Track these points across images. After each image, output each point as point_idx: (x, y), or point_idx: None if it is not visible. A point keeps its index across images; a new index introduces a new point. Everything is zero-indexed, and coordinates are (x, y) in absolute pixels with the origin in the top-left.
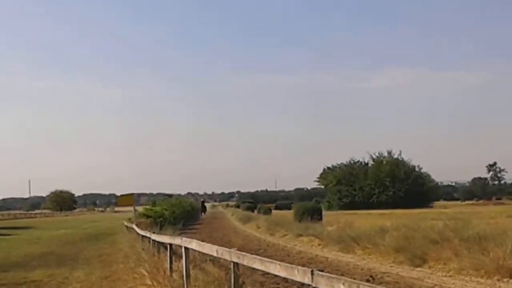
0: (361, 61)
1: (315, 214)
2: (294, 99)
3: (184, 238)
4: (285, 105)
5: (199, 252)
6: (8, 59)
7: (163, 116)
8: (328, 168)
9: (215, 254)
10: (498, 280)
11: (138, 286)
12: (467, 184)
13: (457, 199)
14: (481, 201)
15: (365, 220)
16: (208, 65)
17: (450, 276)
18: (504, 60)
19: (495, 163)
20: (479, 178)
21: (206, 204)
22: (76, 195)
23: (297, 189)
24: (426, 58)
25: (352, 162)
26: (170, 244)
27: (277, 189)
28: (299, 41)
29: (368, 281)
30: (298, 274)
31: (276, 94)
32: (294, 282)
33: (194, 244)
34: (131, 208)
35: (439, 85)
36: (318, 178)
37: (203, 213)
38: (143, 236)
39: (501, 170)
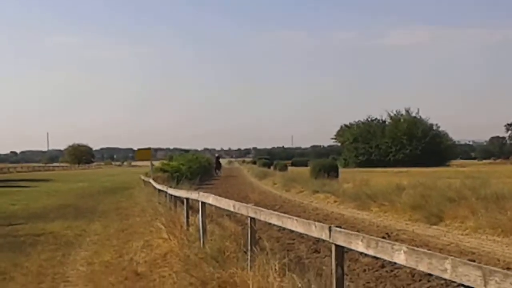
0: (380, 18)
1: (332, 171)
2: (313, 57)
3: (201, 193)
4: (303, 64)
5: (216, 207)
6: (23, 15)
7: (180, 73)
8: (345, 125)
9: (232, 209)
10: None
11: (155, 239)
12: (485, 143)
13: (475, 158)
14: (498, 160)
15: (382, 178)
16: (224, 24)
17: (466, 234)
18: None
19: None
20: (497, 137)
21: (221, 160)
22: (94, 149)
23: (313, 146)
24: (445, 15)
25: (369, 120)
26: (187, 199)
27: (294, 146)
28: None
29: (384, 238)
30: (316, 230)
31: (295, 52)
32: (309, 238)
33: (211, 199)
34: (148, 163)
35: (458, 43)
36: (335, 135)
37: (218, 171)
38: (159, 190)
39: None
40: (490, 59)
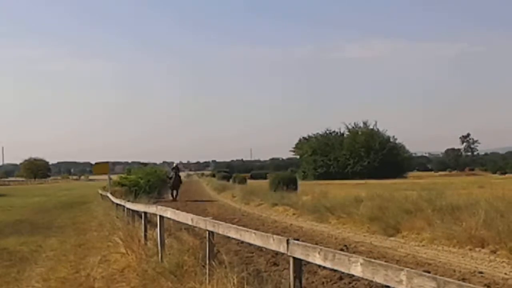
0: (338, 31)
1: (290, 184)
2: (273, 71)
3: (159, 207)
4: (263, 77)
5: (174, 220)
6: None
7: (140, 87)
8: (304, 138)
9: (190, 223)
10: (470, 249)
11: (112, 254)
12: (441, 155)
13: (431, 170)
14: (454, 172)
15: (340, 190)
16: (190, 37)
17: (423, 245)
18: (481, 32)
19: (468, 135)
20: (453, 149)
21: (180, 173)
22: (51, 163)
23: (272, 159)
24: (402, 29)
25: (327, 132)
26: (145, 213)
27: (253, 159)
28: (276, 12)
29: (342, 250)
30: (274, 243)
31: (256, 65)
32: (268, 251)
33: (169, 213)
34: (106, 177)
35: (415, 56)
36: (294, 148)
37: (175, 192)
38: (117, 204)
39: (474, 142)
40: (446, 72)
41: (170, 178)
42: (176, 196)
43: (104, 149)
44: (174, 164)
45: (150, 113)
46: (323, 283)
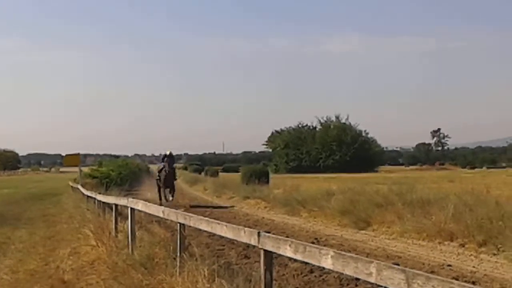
0: (312, 26)
1: (262, 177)
2: (249, 64)
3: (130, 199)
4: (239, 70)
5: (145, 213)
6: None
7: (112, 79)
8: (276, 131)
9: (161, 215)
10: (439, 243)
11: (82, 246)
12: (412, 150)
13: (402, 164)
14: (424, 166)
15: (312, 183)
16: (163, 27)
17: (393, 238)
18: (455, 28)
19: (439, 129)
20: (423, 143)
21: (152, 166)
22: (20, 154)
23: (245, 152)
24: (378, 24)
25: (300, 126)
26: (116, 205)
27: (225, 152)
28: (253, 6)
29: (313, 243)
30: (245, 236)
31: (232, 58)
32: (239, 244)
33: (140, 205)
34: (77, 169)
35: (389, 51)
36: (266, 141)
37: (172, 192)
38: (88, 196)
39: (444, 136)
40: (418, 67)
41: (160, 172)
42: (169, 197)
43: (75, 141)
44: (168, 152)
45: (123, 105)
46: (294, 275)
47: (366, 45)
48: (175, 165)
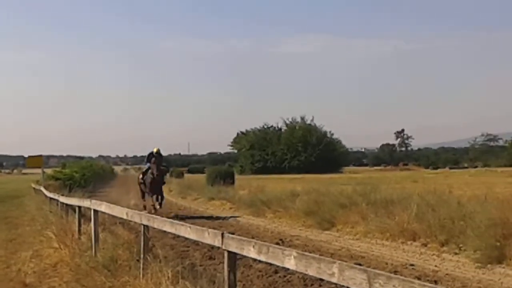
0: (274, 27)
1: (228, 178)
2: (212, 65)
3: (93, 201)
4: (203, 70)
5: (109, 214)
6: None
7: (76, 79)
8: (242, 132)
9: (125, 217)
10: (402, 242)
11: (45, 249)
12: (376, 151)
13: (366, 165)
14: (388, 167)
15: (277, 184)
16: (126, 28)
17: (357, 239)
18: (416, 29)
19: (403, 130)
20: (387, 144)
21: (116, 168)
22: None
23: (210, 153)
24: (338, 26)
25: (265, 127)
26: (79, 207)
27: (190, 153)
28: (212, 7)
29: (277, 243)
30: (209, 237)
31: (196, 58)
32: (204, 245)
33: (103, 207)
34: (40, 170)
35: (350, 53)
36: (232, 142)
37: (154, 197)
38: (51, 198)
39: (408, 137)
40: (381, 69)
41: (145, 174)
42: (156, 205)
43: (38, 142)
44: (155, 150)
45: (87, 106)
46: (258, 276)
47: (328, 46)
48: (165, 165)
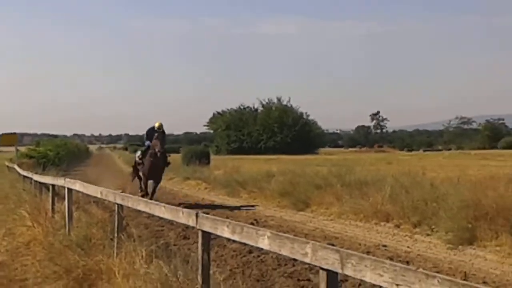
0: (250, 7)
1: (203, 158)
2: (187, 45)
3: (67, 179)
4: (174, 49)
5: (83, 193)
6: None
7: (50, 57)
8: (218, 113)
9: (99, 196)
10: (376, 224)
11: (18, 227)
12: (351, 132)
13: (342, 146)
14: (363, 149)
15: (252, 165)
16: (101, 7)
17: (331, 220)
18: (391, 11)
19: (378, 112)
20: (363, 126)
21: (90, 146)
22: None
23: (186, 133)
24: (313, 7)
25: (242, 107)
26: (53, 185)
27: (166, 133)
28: None
29: (252, 224)
30: (183, 217)
31: (171, 39)
32: (179, 225)
33: (77, 185)
34: (13, 148)
35: (325, 34)
36: (208, 122)
37: (150, 183)
38: (24, 176)
39: (383, 119)
40: (357, 51)
41: (144, 155)
42: (151, 189)
43: (11, 120)
44: (157, 124)
45: (63, 83)
46: (232, 256)
47: (303, 28)
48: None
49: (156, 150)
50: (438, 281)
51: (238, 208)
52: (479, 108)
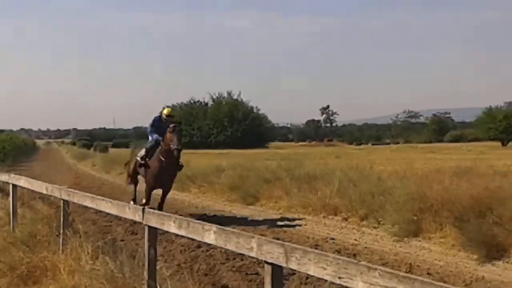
0: (206, 1)
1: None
2: (141, 38)
3: (12, 175)
4: (125, 43)
5: (28, 189)
6: None
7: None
8: (168, 107)
9: (44, 192)
10: (324, 217)
11: None
12: (302, 126)
13: (292, 140)
14: (313, 143)
15: (202, 159)
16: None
17: (280, 213)
18: (342, 8)
19: (328, 106)
20: (313, 120)
21: (39, 141)
22: None
23: (136, 128)
24: (270, 2)
25: (192, 102)
26: None
27: (116, 128)
28: None
29: (201, 218)
30: (130, 212)
31: (122, 32)
32: (127, 220)
33: (22, 181)
34: None
35: (281, 29)
36: None
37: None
38: None
39: (333, 113)
40: (307, 46)
41: (150, 152)
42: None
43: None
44: (165, 112)
45: (7, 75)
46: (181, 251)
47: (259, 22)
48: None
49: (173, 147)
50: (379, 273)
51: (188, 202)
52: (427, 102)
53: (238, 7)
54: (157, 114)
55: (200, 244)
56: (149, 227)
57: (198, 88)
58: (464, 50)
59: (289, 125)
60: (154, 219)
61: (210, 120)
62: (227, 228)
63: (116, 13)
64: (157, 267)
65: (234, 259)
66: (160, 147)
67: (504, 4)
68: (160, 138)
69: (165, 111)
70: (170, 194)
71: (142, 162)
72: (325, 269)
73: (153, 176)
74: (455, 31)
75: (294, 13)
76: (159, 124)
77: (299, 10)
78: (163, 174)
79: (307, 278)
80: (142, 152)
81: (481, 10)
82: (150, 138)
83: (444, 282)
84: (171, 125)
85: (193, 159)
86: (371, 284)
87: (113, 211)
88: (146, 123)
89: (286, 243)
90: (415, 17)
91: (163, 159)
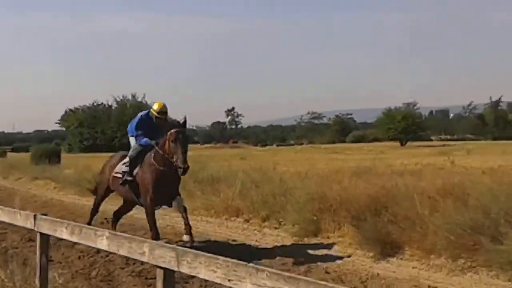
0: (98, 3)
1: (53, 157)
2: (33, 38)
3: None
4: (20, 44)
5: None
6: None
7: None
8: (70, 110)
9: None
10: (226, 219)
11: None
12: (207, 128)
13: (197, 142)
14: (219, 144)
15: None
16: None
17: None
18: (246, 10)
19: (233, 108)
20: (218, 122)
21: None
22: None
23: (37, 131)
24: (171, 4)
25: (95, 104)
26: None
27: (15, 131)
28: None
29: (102, 223)
30: (21, 219)
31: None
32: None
33: None
34: None
35: (185, 31)
36: (60, 120)
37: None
38: None
39: (238, 115)
40: (212, 48)
41: (137, 158)
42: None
43: None
44: (156, 107)
45: None
46: (79, 257)
47: (159, 24)
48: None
49: (178, 165)
50: (266, 274)
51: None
52: (330, 103)
53: (130, 10)
54: (144, 111)
55: (99, 250)
56: (41, 233)
57: (102, 90)
58: (366, 52)
59: (195, 128)
60: (46, 226)
61: (115, 123)
62: (119, 234)
63: (11, 14)
64: (53, 274)
65: (134, 263)
66: (153, 153)
67: (407, 6)
68: (153, 142)
69: (155, 106)
70: (71, 199)
71: (129, 178)
72: (215, 272)
73: (150, 190)
74: (355, 33)
75: (190, 14)
76: (149, 124)
77: (195, 11)
78: (164, 189)
79: (207, 280)
80: (123, 167)
81: (386, 12)
82: (134, 143)
83: (341, 280)
84: (173, 131)
85: (95, 163)
86: (259, 285)
87: (4, 218)
88: (49, 126)
89: (178, 247)
90: (317, 18)
91: (160, 167)
